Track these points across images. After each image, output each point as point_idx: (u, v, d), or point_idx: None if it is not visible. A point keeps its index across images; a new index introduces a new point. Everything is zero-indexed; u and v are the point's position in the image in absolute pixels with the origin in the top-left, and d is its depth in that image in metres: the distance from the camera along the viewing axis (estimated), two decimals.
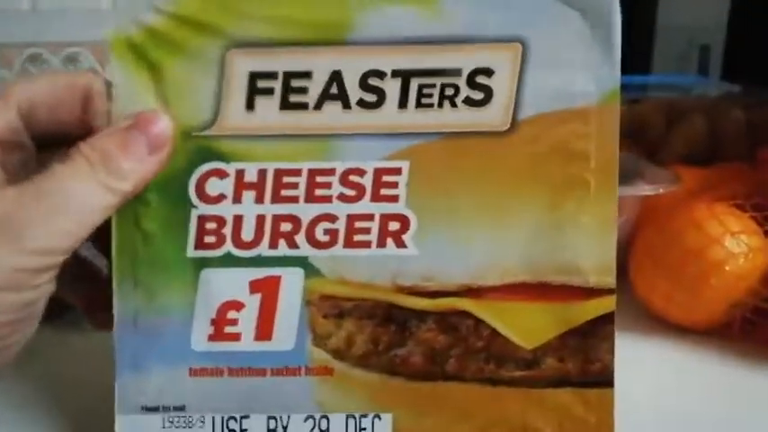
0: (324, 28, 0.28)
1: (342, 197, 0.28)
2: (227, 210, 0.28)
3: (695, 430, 0.34)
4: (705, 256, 0.39)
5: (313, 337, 0.29)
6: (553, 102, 0.28)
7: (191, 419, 0.29)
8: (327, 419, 0.29)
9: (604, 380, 0.29)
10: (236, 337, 0.29)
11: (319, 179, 0.28)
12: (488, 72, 0.28)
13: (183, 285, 0.28)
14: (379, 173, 0.28)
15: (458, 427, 0.29)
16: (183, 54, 0.28)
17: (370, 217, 0.28)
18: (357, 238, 0.28)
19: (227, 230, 0.28)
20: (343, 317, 0.29)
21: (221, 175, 0.28)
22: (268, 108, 0.28)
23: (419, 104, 0.28)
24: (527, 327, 0.29)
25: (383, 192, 0.28)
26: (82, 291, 0.31)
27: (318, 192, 0.28)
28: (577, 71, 0.28)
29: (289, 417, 0.29)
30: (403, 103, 0.28)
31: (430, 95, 0.28)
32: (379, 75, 0.28)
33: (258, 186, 0.28)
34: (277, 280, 0.29)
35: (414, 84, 0.28)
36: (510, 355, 0.29)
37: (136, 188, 0.27)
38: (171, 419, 0.29)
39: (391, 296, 0.29)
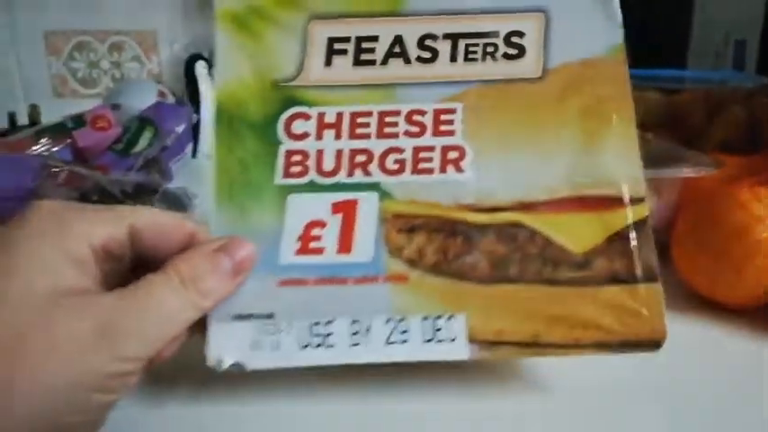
0: (384, 2, 0.35)
1: (407, 133, 0.33)
2: (310, 145, 0.33)
3: (738, 410, 0.34)
4: (749, 236, 0.40)
5: (388, 250, 0.32)
6: (572, 54, 0.35)
7: (279, 326, 0.31)
8: (406, 321, 0.31)
9: (650, 276, 0.32)
10: (320, 251, 0.32)
11: (387, 119, 0.34)
12: (520, 34, 0.35)
13: (272, 207, 0.32)
14: (437, 112, 0.34)
15: (524, 325, 0.31)
16: (275, 24, 0.34)
17: (431, 148, 0.33)
18: (422, 165, 0.33)
19: (311, 162, 0.33)
20: (414, 231, 0.32)
21: (305, 117, 0.33)
22: (343, 64, 0.34)
23: (466, 59, 0.34)
24: (575, 234, 0.32)
25: (442, 128, 0.34)
26: None
27: (387, 129, 0.34)
28: (588, 32, 0.35)
29: (370, 320, 0.31)
30: (453, 58, 0.34)
31: (475, 52, 0.35)
32: (433, 37, 0.35)
33: (336, 126, 0.33)
34: (355, 202, 0.33)
35: (461, 43, 0.35)
36: (563, 259, 0.32)
37: (214, 306, 0.29)
38: (261, 326, 0.31)
39: (455, 213, 0.33)
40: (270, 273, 0.31)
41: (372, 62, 0.34)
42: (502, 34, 0.35)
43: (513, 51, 0.35)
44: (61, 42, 0.96)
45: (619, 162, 0.33)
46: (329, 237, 0.32)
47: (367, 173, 0.33)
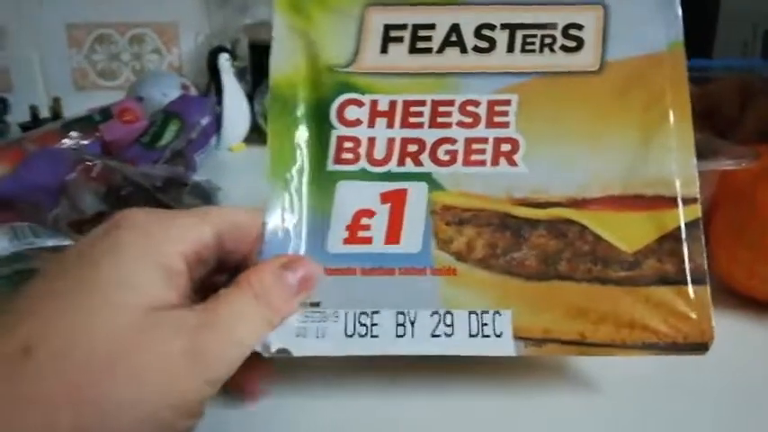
0: None
1: (460, 123, 0.33)
2: (362, 132, 0.33)
3: None
4: None
5: (437, 242, 0.32)
6: (632, 49, 0.34)
7: (326, 314, 0.31)
8: (452, 315, 0.31)
9: (700, 278, 0.32)
10: (368, 240, 0.32)
11: (441, 109, 0.33)
12: (579, 26, 0.34)
13: (323, 193, 0.32)
14: (491, 104, 0.33)
15: (571, 323, 0.31)
16: (332, 10, 0.34)
17: (484, 140, 0.33)
18: (474, 157, 0.33)
19: (362, 149, 0.33)
20: (464, 224, 0.32)
21: (358, 104, 0.33)
22: (398, 52, 0.34)
23: (523, 50, 0.34)
24: (626, 233, 0.32)
25: (496, 119, 0.33)
26: None
27: (440, 119, 0.33)
28: (648, 26, 0.34)
29: (416, 312, 0.31)
30: (510, 49, 0.34)
31: (532, 43, 0.34)
32: (491, 27, 0.34)
33: (389, 114, 0.33)
34: (404, 192, 0.33)
35: (519, 34, 0.34)
36: (614, 258, 0.32)
37: (280, 324, 0.29)
38: (308, 314, 0.31)
39: (505, 207, 0.32)
40: (318, 261, 0.31)
41: (428, 50, 0.34)
42: (560, 26, 0.34)
43: (571, 44, 0.34)
44: (82, 35, 0.96)
45: (674, 160, 0.33)
46: (377, 226, 0.32)
47: (418, 163, 0.33)
